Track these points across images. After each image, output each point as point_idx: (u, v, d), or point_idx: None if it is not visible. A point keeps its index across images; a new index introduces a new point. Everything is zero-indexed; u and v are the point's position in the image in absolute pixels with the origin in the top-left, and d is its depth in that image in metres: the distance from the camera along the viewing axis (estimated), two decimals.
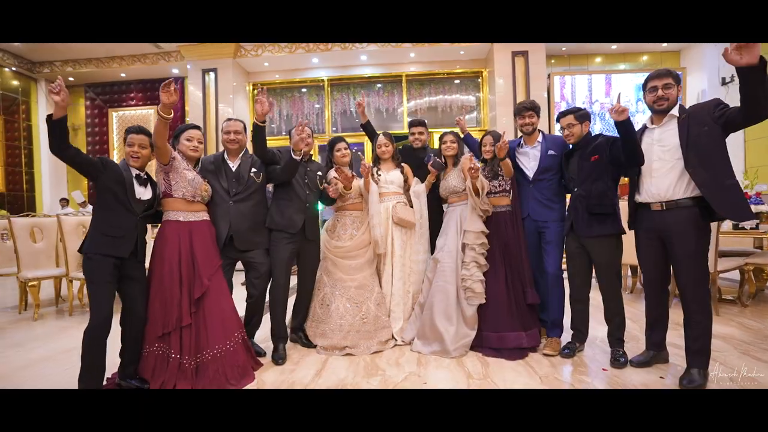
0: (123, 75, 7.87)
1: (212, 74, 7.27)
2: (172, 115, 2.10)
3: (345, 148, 2.95)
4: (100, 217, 2.09)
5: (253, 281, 2.55)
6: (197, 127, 2.44)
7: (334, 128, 7.99)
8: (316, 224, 2.80)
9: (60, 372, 2.44)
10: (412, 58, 7.62)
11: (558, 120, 2.61)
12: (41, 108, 8.03)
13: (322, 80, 7.92)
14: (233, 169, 2.55)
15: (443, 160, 3.00)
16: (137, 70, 7.69)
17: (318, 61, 7.65)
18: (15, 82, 7.73)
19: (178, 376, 2.17)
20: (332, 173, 2.86)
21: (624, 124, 2.10)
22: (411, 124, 3.29)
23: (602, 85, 7.14)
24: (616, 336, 2.43)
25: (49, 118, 1.86)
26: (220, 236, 2.43)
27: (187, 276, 2.24)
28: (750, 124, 1.93)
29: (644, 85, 2.25)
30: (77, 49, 7.32)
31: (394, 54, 7.45)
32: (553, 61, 7.59)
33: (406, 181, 3.06)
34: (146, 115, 7.98)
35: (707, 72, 6.78)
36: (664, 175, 2.13)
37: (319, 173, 2.82)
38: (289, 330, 2.91)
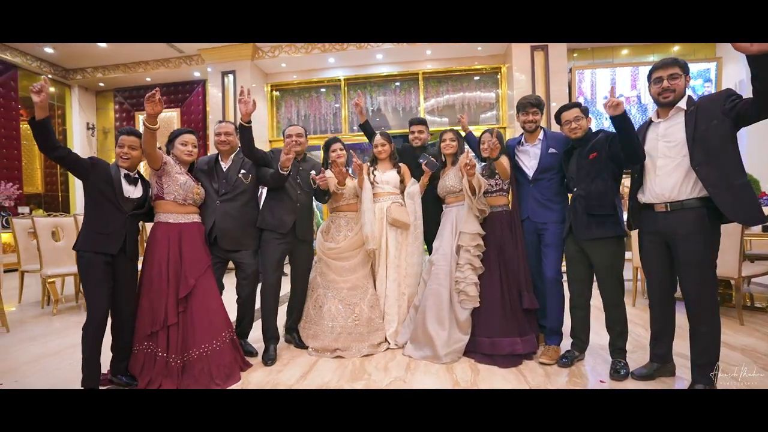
0: (148, 79, 8.17)
1: (231, 76, 7.42)
2: (158, 126, 2.12)
3: (340, 149, 2.92)
4: (90, 215, 2.16)
5: (241, 282, 2.57)
6: (192, 132, 2.47)
7: (355, 127, 7.96)
8: (308, 224, 2.78)
9: (63, 367, 2.53)
10: (428, 55, 7.49)
11: (559, 115, 2.47)
12: (75, 113, 8.45)
13: (339, 80, 7.92)
14: (224, 170, 2.58)
15: (443, 158, 2.92)
16: (161, 74, 7.95)
17: (334, 61, 7.66)
18: (51, 89, 8.17)
19: (164, 375, 2.20)
20: (328, 173, 2.84)
21: (620, 119, 1.95)
22: (411, 123, 3.22)
23: (628, 79, 6.77)
24: (617, 346, 2.28)
25: (32, 120, 1.88)
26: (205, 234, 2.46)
27: (174, 276, 2.27)
28: (765, 117, 1.76)
29: (649, 76, 2.09)
30: (106, 56, 7.65)
31: (410, 52, 7.35)
32: (575, 54, 7.27)
33: (402, 181, 2.99)
34: (170, 117, 8.25)
35: (745, 62, 6.29)
36: (669, 173, 1.98)
37: (313, 172, 2.79)
38: (284, 330, 2.92)
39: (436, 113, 7.82)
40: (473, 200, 2.53)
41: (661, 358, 2.17)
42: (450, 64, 7.62)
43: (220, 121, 2.65)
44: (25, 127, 7.93)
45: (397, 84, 7.99)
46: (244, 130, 2.42)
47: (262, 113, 7.89)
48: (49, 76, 7.93)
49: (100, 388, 2.23)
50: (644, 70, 6.77)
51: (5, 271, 5.60)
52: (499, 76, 7.61)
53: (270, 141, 7.89)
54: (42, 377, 2.41)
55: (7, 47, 7.16)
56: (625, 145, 2.01)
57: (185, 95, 8.34)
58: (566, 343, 2.51)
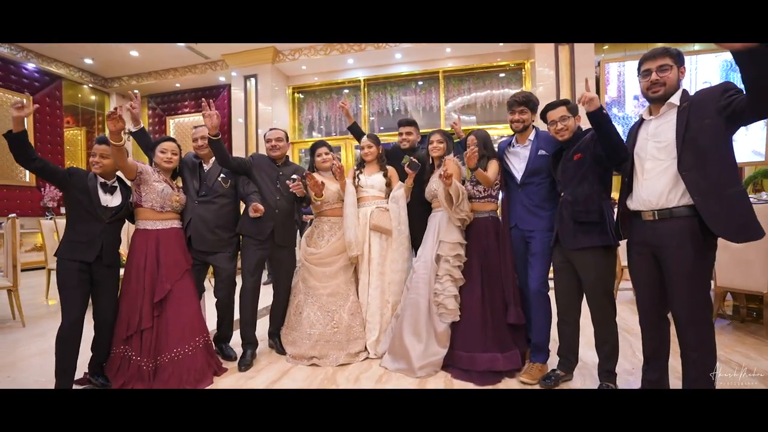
0: (177, 85, 8.53)
1: (253, 80, 7.60)
2: (123, 142, 2.15)
3: (326, 153, 2.87)
4: (69, 223, 2.22)
5: (218, 285, 2.59)
6: (171, 140, 2.50)
7: (381, 128, 7.89)
8: (288, 230, 2.75)
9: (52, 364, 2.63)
10: (448, 53, 7.30)
11: (544, 114, 2.28)
12: None
13: (359, 81, 7.91)
14: (205, 171, 2.61)
15: (431, 161, 2.79)
16: (189, 79, 8.28)
17: (353, 62, 7.64)
18: (92, 97, 8.75)
19: (137, 378, 2.24)
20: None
21: (596, 115, 1.77)
22: (400, 124, 3.11)
23: None
24: (605, 368, 2.07)
25: (8, 134, 1.94)
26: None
27: (150, 281, 2.32)
28: (762, 116, 1.52)
29: (638, 69, 1.88)
30: (139, 64, 8.06)
31: (430, 50, 7.20)
32: (605, 47, 6.81)
33: (389, 184, 2.89)
34: (198, 121, 8.57)
35: None
36: (657, 177, 1.76)
37: (294, 176, 2.75)
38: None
39: (459, 112, 7.61)
40: (451, 210, 2.39)
41: (654, 385, 1.93)
42: (471, 62, 7.40)
43: (195, 127, 2.68)
44: (69, 132, 8.53)
45: (419, 83, 7.86)
46: (213, 143, 2.44)
47: (284, 115, 8.03)
48: (90, 85, 8.48)
49: (79, 387, 2.30)
50: (689, 60, 6.23)
51: (38, 269, 6.04)
52: (523, 73, 7.29)
53: (292, 143, 8.01)
54: (32, 374, 2.52)
55: (53, 60, 7.72)
56: (603, 143, 1.83)
57: (211, 99, 8.62)
58: (555, 361, 2.32)
